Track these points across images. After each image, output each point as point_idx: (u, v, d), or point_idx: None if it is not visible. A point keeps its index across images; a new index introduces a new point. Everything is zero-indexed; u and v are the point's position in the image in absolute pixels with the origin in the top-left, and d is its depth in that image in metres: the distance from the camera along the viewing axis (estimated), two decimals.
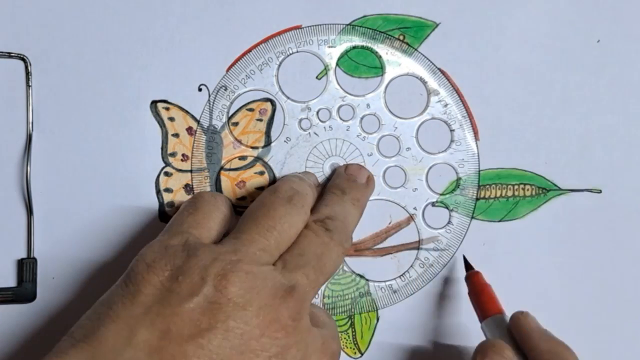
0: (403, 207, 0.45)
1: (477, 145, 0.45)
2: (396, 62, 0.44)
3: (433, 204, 0.45)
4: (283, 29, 0.44)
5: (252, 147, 0.44)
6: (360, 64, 0.44)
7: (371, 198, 0.44)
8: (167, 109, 0.43)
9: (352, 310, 0.44)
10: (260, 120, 0.44)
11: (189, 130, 0.43)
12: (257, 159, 0.44)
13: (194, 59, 0.43)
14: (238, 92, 0.44)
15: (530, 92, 0.45)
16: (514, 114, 0.45)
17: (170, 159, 0.43)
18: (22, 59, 0.42)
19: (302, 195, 0.40)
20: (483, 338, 0.43)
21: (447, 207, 0.45)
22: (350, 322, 0.44)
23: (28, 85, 0.42)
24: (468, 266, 0.44)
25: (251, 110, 0.44)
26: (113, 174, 0.43)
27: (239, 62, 0.43)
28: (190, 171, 0.44)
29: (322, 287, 0.44)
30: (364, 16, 0.44)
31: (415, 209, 0.45)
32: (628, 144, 0.46)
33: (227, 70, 0.43)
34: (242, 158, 0.44)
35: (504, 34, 0.45)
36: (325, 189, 0.43)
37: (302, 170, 0.44)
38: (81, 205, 0.42)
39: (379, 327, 0.44)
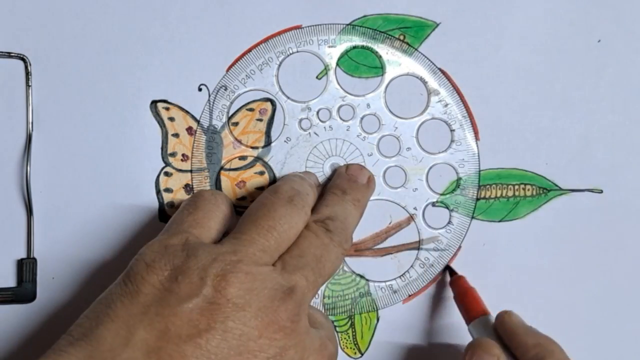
0: (403, 207, 0.45)
1: (477, 145, 0.45)
2: (396, 62, 0.44)
3: (433, 204, 0.45)
4: (283, 29, 0.44)
5: (252, 147, 0.44)
6: (361, 64, 0.44)
7: (371, 198, 0.44)
8: (167, 109, 0.43)
9: (352, 310, 0.44)
10: (260, 120, 0.44)
11: (189, 130, 0.43)
12: (257, 159, 0.44)
13: (194, 59, 0.43)
14: (238, 92, 0.44)
15: (531, 92, 0.45)
16: (514, 114, 0.45)
17: (170, 159, 0.43)
18: (22, 59, 0.42)
19: (303, 196, 0.40)
20: None
21: (447, 207, 0.45)
22: (350, 322, 0.44)
23: (28, 85, 0.42)
24: (452, 272, 0.44)
25: (251, 110, 0.44)
26: (113, 174, 0.43)
27: (239, 62, 0.43)
28: (190, 171, 0.44)
29: (322, 287, 0.44)
30: (364, 16, 0.44)
31: (415, 209, 0.45)
32: (629, 144, 0.46)
33: (227, 70, 0.43)
34: (242, 158, 0.44)
35: (504, 34, 0.45)
36: (325, 189, 0.43)
37: (302, 170, 0.44)
38: (81, 205, 0.42)
39: (379, 327, 0.44)
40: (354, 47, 0.44)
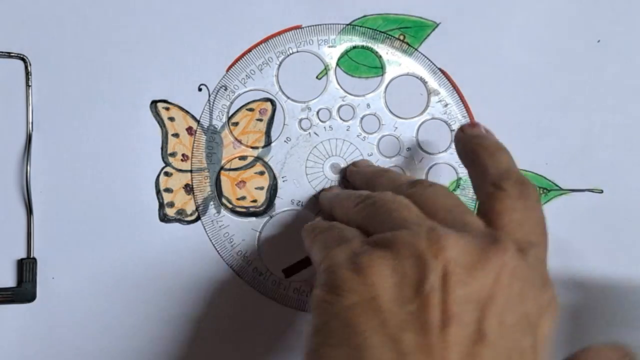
0: None
1: None
2: (396, 62, 0.44)
3: None
4: (283, 29, 0.44)
5: (252, 147, 0.44)
6: (361, 64, 0.44)
7: None
8: (167, 109, 0.43)
9: None
10: (260, 120, 0.44)
11: (189, 130, 0.43)
12: (257, 159, 0.44)
13: (194, 59, 0.43)
14: (238, 92, 0.44)
15: (531, 92, 0.45)
16: (514, 114, 0.45)
17: (170, 159, 0.43)
18: (22, 58, 0.42)
19: None
20: None
21: None
22: None
23: (28, 85, 0.42)
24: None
25: (251, 110, 0.44)
26: (113, 174, 0.43)
27: (239, 62, 0.43)
28: (190, 171, 0.44)
29: None
30: (364, 16, 0.44)
31: None
32: (629, 144, 0.46)
33: (227, 70, 0.43)
34: (242, 158, 0.44)
35: (504, 34, 0.45)
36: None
37: (302, 170, 0.44)
38: (81, 205, 0.42)
39: None
40: (354, 47, 0.44)
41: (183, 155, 0.43)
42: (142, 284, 0.42)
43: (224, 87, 0.43)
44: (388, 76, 0.44)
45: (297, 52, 0.44)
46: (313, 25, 0.44)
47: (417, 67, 0.44)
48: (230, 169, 0.44)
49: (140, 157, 0.43)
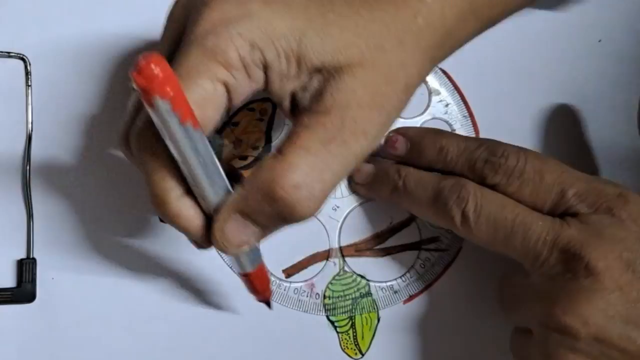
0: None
1: None
2: None
3: None
4: None
5: (253, 147, 0.44)
6: None
7: (372, 198, 0.44)
8: None
9: (353, 310, 0.44)
10: (261, 120, 0.44)
11: None
12: (258, 159, 0.44)
13: None
14: None
15: (532, 92, 0.45)
16: (514, 114, 0.45)
17: None
18: (22, 58, 0.42)
19: None
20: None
21: None
22: (350, 322, 0.44)
23: (27, 85, 0.42)
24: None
25: (252, 110, 0.44)
26: (113, 174, 0.42)
27: None
28: None
29: (323, 287, 0.44)
30: None
31: None
32: (629, 144, 0.46)
33: None
34: (243, 158, 0.44)
35: (504, 33, 0.45)
36: None
37: None
38: (81, 206, 0.42)
39: (380, 327, 0.44)
40: None
41: None
42: (141, 284, 0.42)
43: None
44: None
45: None
46: None
47: None
48: None
49: None
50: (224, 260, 0.43)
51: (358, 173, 0.43)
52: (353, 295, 0.44)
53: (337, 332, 0.44)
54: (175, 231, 0.42)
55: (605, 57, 0.46)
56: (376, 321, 0.44)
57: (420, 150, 0.41)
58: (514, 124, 0.45)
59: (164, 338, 0.42)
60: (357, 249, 0.44)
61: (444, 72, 0.44)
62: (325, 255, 0.44)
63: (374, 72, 0.33)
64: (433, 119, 0.45)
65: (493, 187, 0.39)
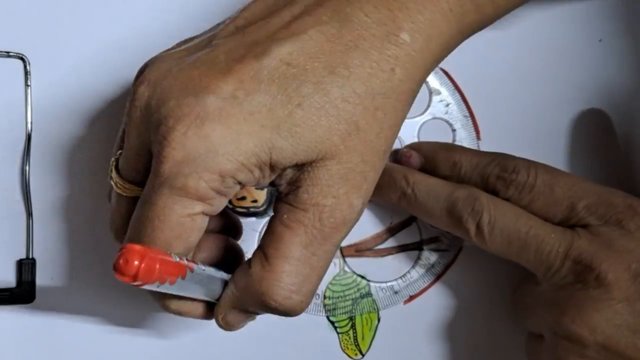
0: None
1: (478, 145, 0.45)
2: None
3: None
4: None
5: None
6: None
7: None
8: None
9: (353, 311, 0.44)
10: None
11: None
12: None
13: None
14: None
15: (532, 91, 0.45)
16: (515, 114, 0.45)
17: None
18: (21, 58, 0.42)
19: None
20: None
21: None
22: (351, 323, 0.44)
23: (27, 85, 0.42)
24: None
25: None
26: None
27: None
28: None
29: (323, 288, 0.44)
30: None
31: None
32: (629, 144, 0.45)
33: None
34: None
35: (505, 33, 0.45)
36: None
37: None
38: (81, 206, 0.42)
39: (380, 328, 0.44)
40: None
41: None
42: None
43: None
44: None
45: None
46: None
47: None
48: None
49: None
50: None
51: None
52: (353, 296, 0.44)
53: (338, 333, 0.44)
54: None
55: (606, 57, 0.46)
56: (376, 322, 0.44)
57: (434, 166, 0.42)
58: (514, 124, 0.45)
59: (164, 338, 0.42)
60: (358, 249, 0.44)
61: (445, 72, 0.44)
62: None
63: (350, 157, 0.33)
64: (433, 118, 0.45)
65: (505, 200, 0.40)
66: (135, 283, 0.29)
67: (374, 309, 0.44)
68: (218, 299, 0.36)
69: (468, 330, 0.44)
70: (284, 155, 0.32)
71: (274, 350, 0.43)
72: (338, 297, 0.44)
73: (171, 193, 0.32)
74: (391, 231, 0.44)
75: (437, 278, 0.44)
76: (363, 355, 0.44)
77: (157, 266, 0.29)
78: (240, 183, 0.33)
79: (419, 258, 0.44)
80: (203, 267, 0.34)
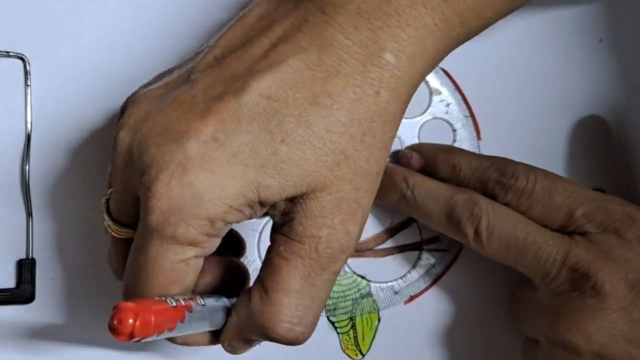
0: None
1: (479, 145, 0.45)
2: None
3: None
4: None
5: None
6: None
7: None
8: None
9: (354, 311, 0.44)
10: None
11: None
12: None
13: None
14: None
15: (533, 91, 0.45)
16: (516, 114, 0.45)
17: None
18: (21, 58, 0.42)
19: None
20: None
21: None
22: (351, 323, 0.44)
23: (27, 85, 0.42)
24: None
25: None
26: None
27: None
28: None
29: None
30: None
31: None
32: (630, 144, 0.45)
33: None
34: None
35: (505, 32, 0.45)
36: None
37: None
38: (81, 206, 0.42)
39: (381, 328, 0.44)
40: None
41: None
42: None
43: None
44: None
45: None
46: None
47: None
48: None
49: None
50: None
51: None
52: (353, 296, 0.44)
53: (338, 333, 0.44)
54: None
55: (606, 57, 0.46)
56: (377, 322, 0.44)
57: (433, 168, 0.42)
58: (514, 124, 0.45)
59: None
60: (358, 250, 0.44)
61: (445, 71, 0.44)
62: None
63: (340, 187, 0.32)
64: (434, 118, 0.45)
65: (504, 205, 0.40)
66: (133, 340, 0.29)
67: (374, 309, 0.44)
68: (224, 326, 0.36)
69: (469, 331, 0.44)
70: (272, 192, 0.32)
71: (274, 350, 0.43)
72: (338, 297, 0.44)
73: (161, 242, 0.32)
74: (391, 231, 0.44)
75: (438, 278, 0.44)
76: (363, 356, 0.44)
77: (153, 319, 0.29)
78: (231, 223, 0.32)
79: (419, 258, 0.44)
80: (202, 302, 0.34)
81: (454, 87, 0.44)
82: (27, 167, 0.42)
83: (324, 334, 0.43)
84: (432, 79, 0.44)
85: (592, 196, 0.40)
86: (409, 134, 0.44)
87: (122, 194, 0.34)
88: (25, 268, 0.41)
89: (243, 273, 0.39)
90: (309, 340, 0.43)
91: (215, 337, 0.36)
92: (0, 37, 0.42)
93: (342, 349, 0.44)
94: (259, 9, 0.34)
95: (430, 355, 0.44)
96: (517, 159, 0.43)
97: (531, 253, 0.39)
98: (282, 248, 0.33)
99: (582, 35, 0.45)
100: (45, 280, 0.42)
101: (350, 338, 0.44)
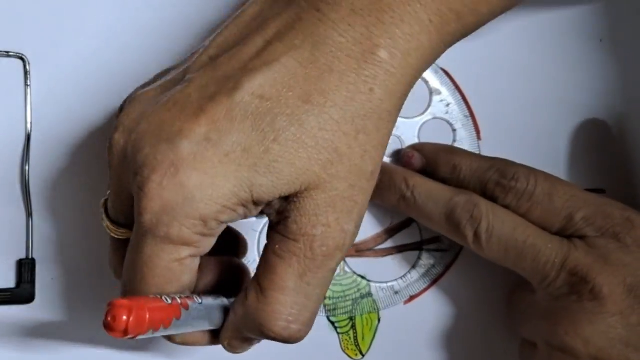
0: None
1: (479, 145, 0.45)
2: None
3: None
4: None
5: None
6: None
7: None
8: None
9: (354, 311, 0.44)
10: None
11: None
12: None
13: None
14: None
15: (533, 91, 0.45)
16: (516, 114, 0.45)
17: None
18: (21, 58, 0.42)
19: None
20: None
21: None
22: (351, 323, 0.44)
23: (27, 85, 0.42)
24: None
25: None
26: None
27: None
28: None
29: None
30: None
31: None
32: (630, 143, 0.45)
33: None
34: None
35: (505, 32, 0.45)
36: None
37: None
38: (81, 206, 0.42)
39: (381, 328, 0.44)
40: None
41: None
42: None
43: None
44: None
45: None
46: None
47: None
48: None
49: None
50: None
51: None
52: (354, 296, 0.44)
53: (338, 333, 0.44)
54: None
55: (606, 57, 0.45)
56: (377, 322, 0.44)
57: (434, 168, 0.42)
58: (514, 124, 0.45)
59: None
60: (358, 250, 0.44)
61: (445, 71, 0.44)
62: None
63: (335, 185, 0.32)
64: (434, 118, 0.45)
65: (504, 207, 0.40)
66: (128, 337, 0.29)
67: (375, 309, 0.44)
68: (223, 325, 0.36)
69: (468, 331, 0.44)
70: (265, 191, 0.32)
71: (274, 350, 0.43)
72: (338, 297, 0.44)
73: (155, 242, 0.32)
74: (391, 232, 0.44)
75: (438, 278, 0.44)
76: (363, 356, 0.44)
77: (147, 315, 0.29)
78: (225, 222, 0.32)
79: (419, 258, 0.44)
80: (200, 300, 0.34)
81: (454, 87, 0.44)
82: (27, 167, 0.42)
83: (324, 334, 0.43)
84: (432, 79, 0.44)
85: (592, 200, 0.40)
86: (409, 134, 0.44)
87: (118, 195, 0.35)
88: (25, 268, 0.41)
89: (244, 273, 0.39)
90: (309, 340, 0.43)
91: (214, 337, 0.37)
92: (0, 37, 0.42)
93: (342, 349, 0.44)
94: (254, 8, 0.34)
95: (430, 355, 0.44)
96: (517, 159, 0.43)
97: (530, 256, 0.39)
98: (277, 247, 0.33)
99: (582, 35, 0.45)
100: (45, 280, 0.42)
101: (350, 338, 0.44)
